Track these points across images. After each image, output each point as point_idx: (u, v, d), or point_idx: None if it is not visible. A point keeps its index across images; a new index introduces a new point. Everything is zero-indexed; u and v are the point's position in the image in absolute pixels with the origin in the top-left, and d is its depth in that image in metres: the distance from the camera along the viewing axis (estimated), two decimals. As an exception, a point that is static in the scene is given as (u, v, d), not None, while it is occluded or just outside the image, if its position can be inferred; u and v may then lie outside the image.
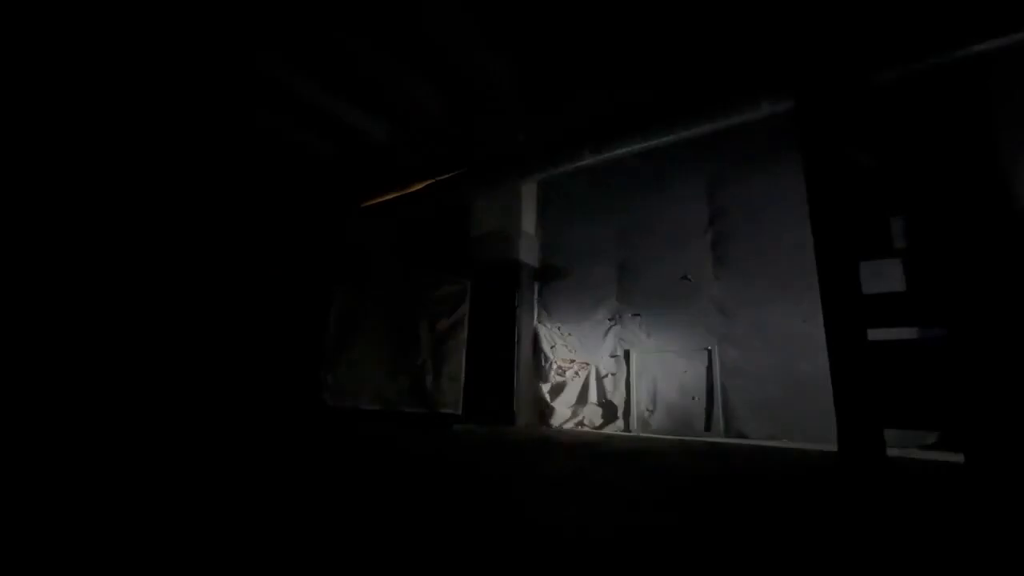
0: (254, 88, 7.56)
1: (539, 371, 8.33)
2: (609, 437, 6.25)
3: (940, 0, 4.48)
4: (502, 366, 8.09)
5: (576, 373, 7.99)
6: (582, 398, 7.78)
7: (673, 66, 6.69)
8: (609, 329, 7.85)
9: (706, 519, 1.92)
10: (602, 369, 7.77)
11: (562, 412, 7.86)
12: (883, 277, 3.18)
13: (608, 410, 7.54)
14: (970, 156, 2.95)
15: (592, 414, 7.63)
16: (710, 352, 6.80)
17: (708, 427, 6.56)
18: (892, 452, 3.98)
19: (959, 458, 3.35)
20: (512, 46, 7.08)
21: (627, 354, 7.53)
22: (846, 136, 3.32)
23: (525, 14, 6.45)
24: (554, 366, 8.22)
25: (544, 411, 8.05)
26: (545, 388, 8.15)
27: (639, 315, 7.61)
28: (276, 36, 6.77)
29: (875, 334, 2.93)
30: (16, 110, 6.26)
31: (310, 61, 7.23)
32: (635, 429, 7.12)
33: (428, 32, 6.70)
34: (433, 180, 8.34)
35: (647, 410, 7.20)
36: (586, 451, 4.34)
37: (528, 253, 8.68)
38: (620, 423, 7.31)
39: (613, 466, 3.37)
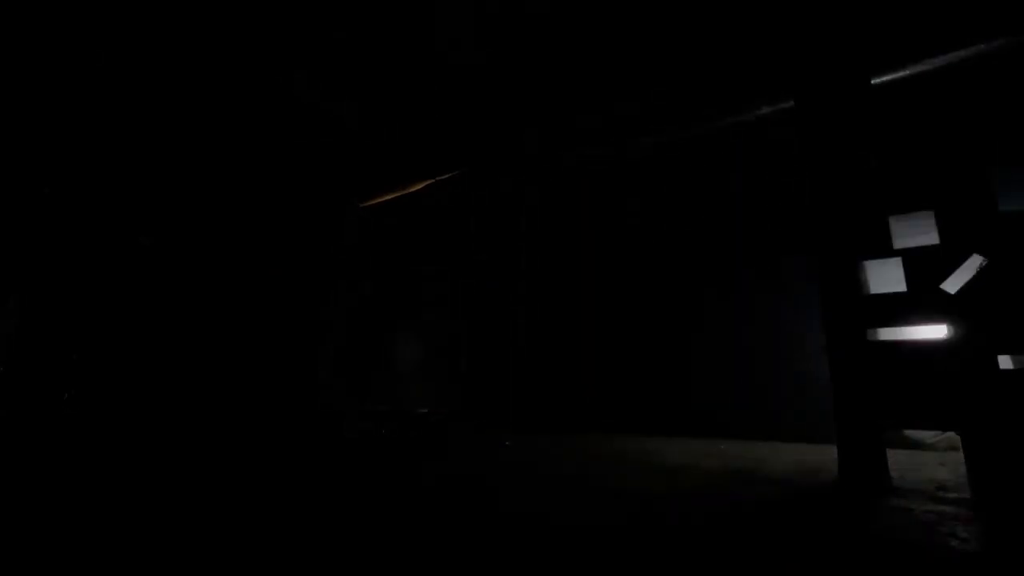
0: (247, 88, 7.56)
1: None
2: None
3: (940, 1, 4.49)
4: (500, 366, 8.10)
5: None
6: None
7: (679, 69, 6.70)
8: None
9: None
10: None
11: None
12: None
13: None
14: (969, 157, 2.96)
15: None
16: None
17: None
18: (892, 453, 3.99)
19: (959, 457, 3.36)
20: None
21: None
22: (846, 136, 3.32)
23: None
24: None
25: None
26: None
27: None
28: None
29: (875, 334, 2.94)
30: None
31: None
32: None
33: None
34: (433, 180, 8.35)
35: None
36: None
37: (528, 251, 8.67)
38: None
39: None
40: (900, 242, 3.01)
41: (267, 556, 1.38)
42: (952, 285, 2.78)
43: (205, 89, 7.49)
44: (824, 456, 4.16)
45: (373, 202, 9.12)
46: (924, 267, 2.87)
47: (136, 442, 3.95)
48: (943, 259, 2.85)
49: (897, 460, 3.89)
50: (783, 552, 1.53)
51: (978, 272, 2.72)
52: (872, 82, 4.38)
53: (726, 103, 6.04)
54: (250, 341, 6.40)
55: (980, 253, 2.75)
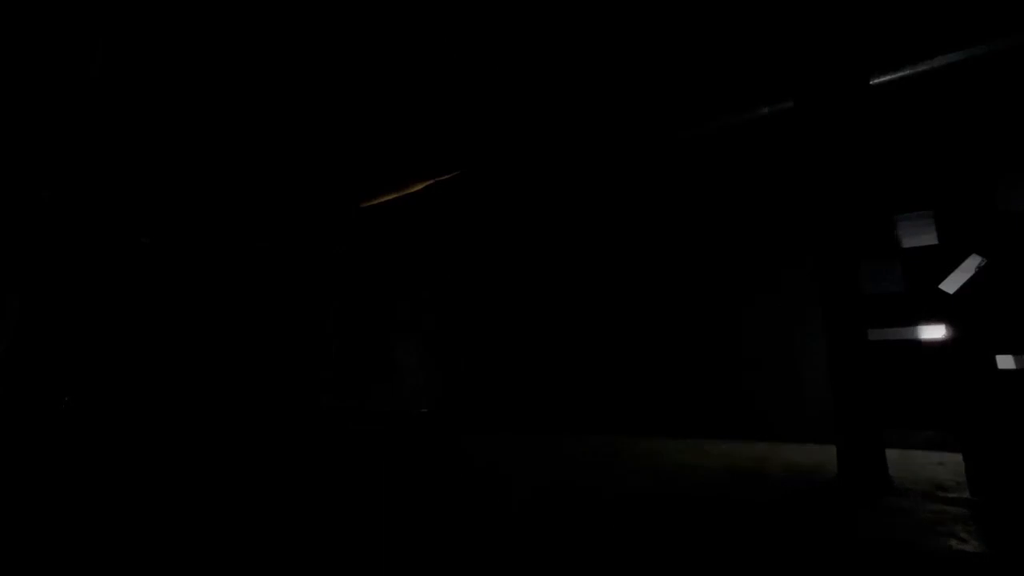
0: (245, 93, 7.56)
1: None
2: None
3: (940, 2, 4.49)
4: (499, 367, 8.11)
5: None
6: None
7: (678, 70, 6.70)
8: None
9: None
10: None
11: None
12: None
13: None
14: (969, 157, 2.96)
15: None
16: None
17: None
18: (891, 453, 3.99)
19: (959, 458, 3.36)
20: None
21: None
22: (846, 136, 3.33)
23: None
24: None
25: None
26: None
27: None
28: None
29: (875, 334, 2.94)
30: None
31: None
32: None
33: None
34: (433, 180, 8.36)
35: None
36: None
37: (527, 251, 8.69)
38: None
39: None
40: (900, 242, 3.00)
41: (268, 555, 1.38)
42: (951, 285, 2.78)
43: (205, 90, 7.49)
44: (824, 456, 4.16)
45: (373, 203, 9.12)
46: (923, 267, 2.87)
47: (137, 443, 3.95)
48: (942, 259, 2.85)
49: (897, 460, 3.89)
50: (782, 551, 1.53)
51: (977, 272, 2.73)
52: (871, 82, 4.39)
53: (726, 103, 6.04)
54: (250, 342, 6.40)
55: (980, 253, 2.75)
